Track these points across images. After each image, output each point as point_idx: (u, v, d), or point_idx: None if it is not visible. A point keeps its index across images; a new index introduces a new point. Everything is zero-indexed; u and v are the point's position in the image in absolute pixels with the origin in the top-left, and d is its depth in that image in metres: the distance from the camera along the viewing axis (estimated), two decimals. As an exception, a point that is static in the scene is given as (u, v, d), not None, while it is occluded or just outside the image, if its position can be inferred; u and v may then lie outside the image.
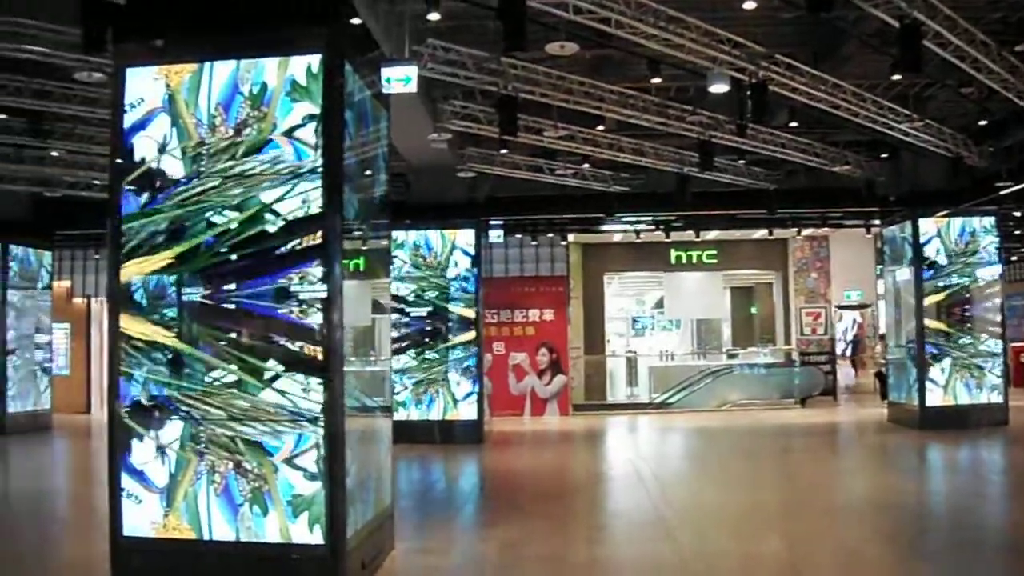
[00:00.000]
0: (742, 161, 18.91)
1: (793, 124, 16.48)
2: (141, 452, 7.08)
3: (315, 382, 6.80)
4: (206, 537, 6.91)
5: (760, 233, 24.63)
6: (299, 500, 6.77)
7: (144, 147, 7.17)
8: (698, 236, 24.20)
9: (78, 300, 26.41)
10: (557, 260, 24.20)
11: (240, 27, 7.16)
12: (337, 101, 6.99)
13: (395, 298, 16.51)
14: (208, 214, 7.03)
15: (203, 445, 6.94)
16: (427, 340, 17.33)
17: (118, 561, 7.13)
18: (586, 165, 19.26)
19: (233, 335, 7.00)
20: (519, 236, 23.61)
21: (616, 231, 24.56)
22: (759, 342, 27.96)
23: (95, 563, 7.78)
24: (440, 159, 16.76)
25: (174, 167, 7.11)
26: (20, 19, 10.95)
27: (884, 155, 18.98)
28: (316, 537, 6.74)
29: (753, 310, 30.55)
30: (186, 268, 7.08)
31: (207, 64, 7.09)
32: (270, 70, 6.99)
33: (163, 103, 7.16)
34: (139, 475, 7.06)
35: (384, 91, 9.39)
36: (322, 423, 6.76)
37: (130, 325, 7.16)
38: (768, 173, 19.86)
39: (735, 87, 13.02)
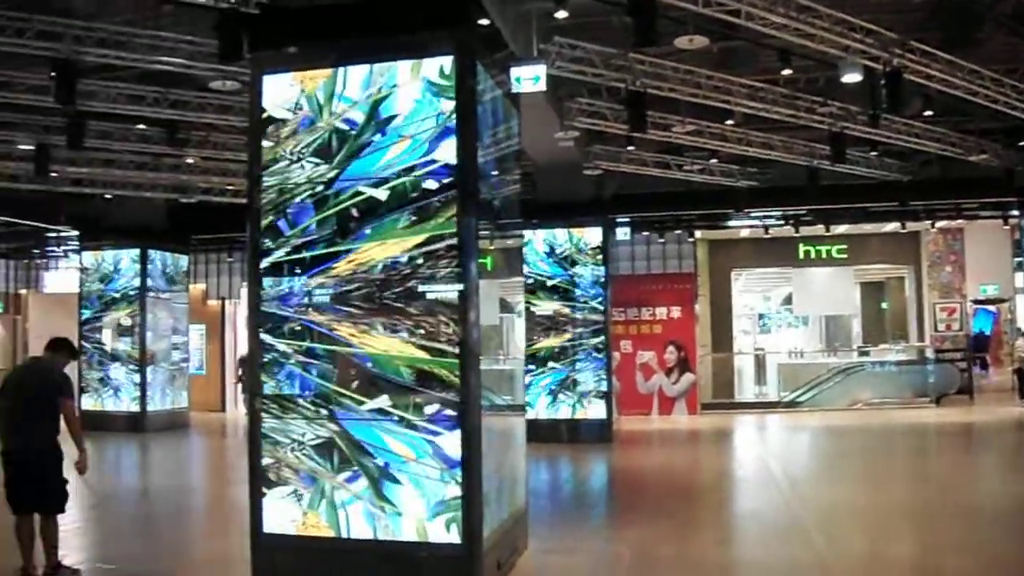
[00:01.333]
0: (874, 152, 18.35)
1: (928, 113, 15.92)
2: (282, 451, 7.23)
3: (451, 381, 6.83)
4: (344, 535, 7.01)
5: (892, 226, 23.86)
6: (436, 500, 6.80)
7: (281, 152, 7.32)
8: (828, 230, 23.58)
9: (213, 302, 27.24)
10: (684, 257, 23.97)
11: (373, 32, 7.26)
12: (470, 102, 7.01)
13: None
14: (344, 215, 7.14)
15: (343, 444, 7.04)
16: (554, 339, 17.33)
17: (258, 558, 7.26)
18: (713, 160, 18.99)
19: (371, 335, 7.07)
20: (646, 233, 23.44)
21: (743, 227, 24.15)
22: (891, 339, 27.13)
23: (235, 560, 7.97)
24: (566, 157, 16.71)
25: (310, 171, 7.23)
26: (159, 32, 11.29)
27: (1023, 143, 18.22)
28: (453, 536, 6.75)
29: (884, 306, 29.63)
30: (323, 268, 7.20)
31: (341, 69, 7.20)
32: (403, 73, 7.05)
33: (299, 108, 7.29)
34: (279, 474, 7.21)
35: (513, 91, 9.39)
36: (459, 422, 6.79)
37: (271, 325, 7.32)
38: (901, 164, 19.26)
39: (867, 76, 12.65)
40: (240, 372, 25.64)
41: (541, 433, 15.84)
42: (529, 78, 10.28)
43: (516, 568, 7.82)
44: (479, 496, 6.83)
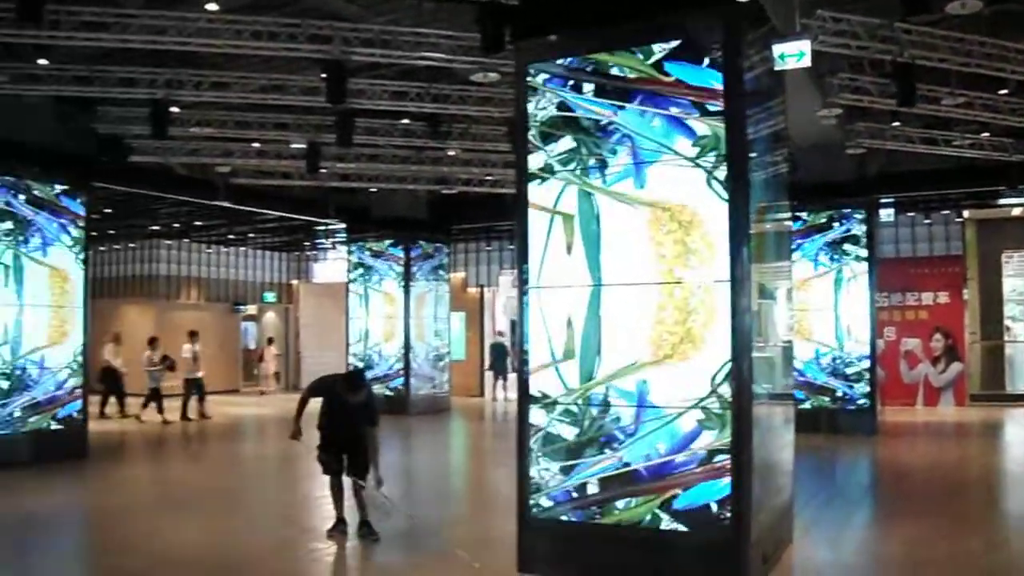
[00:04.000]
0: None
1: None
2: (547, 437, 7.29)
3: (722, 368, 6.67)
4: (607, 521, 7.00)
5: None
6: (704, 489, 6.67)
7: (547, 140, 7.36)
8: (1111, 207, 21.65)
9: (472, 290, 27.98)
10: (951, 239, 22.65)
11: (636, 14, 7.16)
12: (737, 80, 6.81)
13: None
14: (610, 196, 7.10)
15: (607, 430, 7.03)
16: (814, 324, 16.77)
17: (525, 540, 7.38)
18: (985, 134, 17.75)
19: (633, 323, 7.01)
20: (911, 214, 22.25)
21: (1016, 205, 22.49)
22: None
23: (500, 540, 8.15)
24: (827, 136, 16.06)
25: (577, 158, 7.23)
26: (421, 29, 11.61)
27: None
28: (720, 527, 6.61)
29: None
30: (584, 254, 7.21)
31: (606, 54, 7.16)
32: (665, 55, 6.93)
33: (562, 95, 7.30)
34: (546, 458, 7.28)
35: (776, 68, 9.06)
36: (730, 410, 6.63)
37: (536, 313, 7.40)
38: None
39: None
40: (491, 359, 26.37)
41: (799, 423, 15.33)
42: (793, 54, 9.84)
43: (780, 562, 7.60)
44: (748, 487, 6.64)
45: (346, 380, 8.84)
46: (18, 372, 13.80)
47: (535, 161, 7.42)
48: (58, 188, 14.37)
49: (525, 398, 7.45)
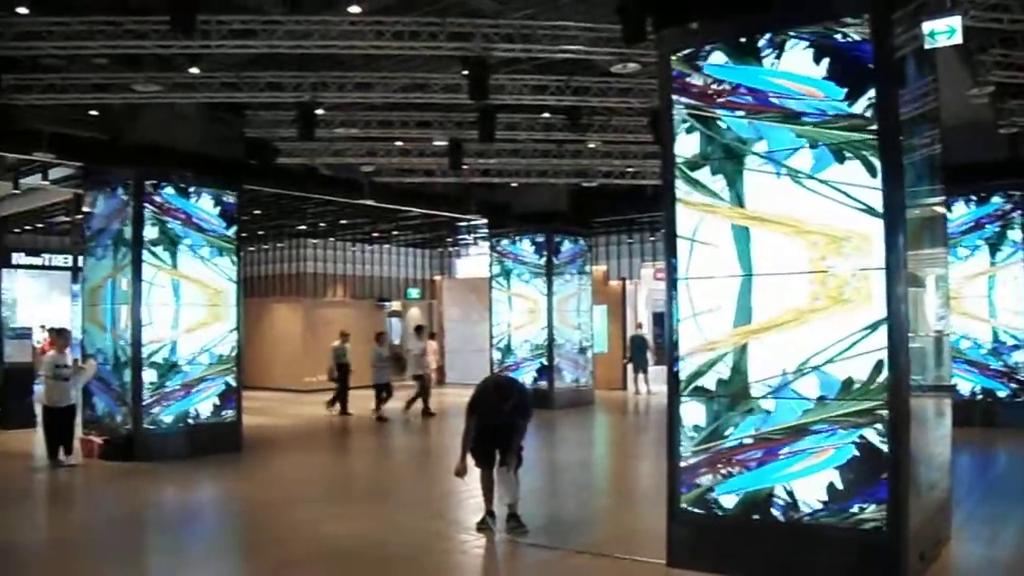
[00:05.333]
0: None
1: None
2: (697, 429, 7.19)
3: (877, 359, 6.44)
4: (762, 516, 6.86)
5: None
6: (860, 483, 6.47)
7: (692, 129, 7.24)
8: None
9: (614, 283, 27.85)
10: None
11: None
12: (887, 60, 6.59)
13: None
14: (759, 184, 6.95)
15: (759, 423, 6.89)
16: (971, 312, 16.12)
17: (674, 534, 7.32)
18: None
19: (786, 313, 6.83)
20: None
21: None
22: None
23: (648, 534, 8.09)
24: (977, 116, 15.36)
25: (727, 148, 7.10)
26: (561, 22, 11.56)
27: None
28: (876, 522, 6.40)
29: None
30: (734, 244, 7.07)
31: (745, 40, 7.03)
32: (812, 38, 6.74)
33: (708, 84, 7.18)
34: (696, 451, 7.17)
35: (926, 46, 8.70)
36: (886, 403, 6.39)
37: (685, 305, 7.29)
38: None
39: None
40: (631, 351, 26.20)
41: (958, 415, 14.72)
42: (943, 31, 9.44)
43: (938, 560, 7.31)
44: (906, 481, 6.42)
45: (496, 391, 8.95)
46: (176, 369, 14.35)
47: (681, 151, 7.30)
48: (210, 191, 14.87)
49: (675, 390, 7.35)
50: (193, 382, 14.54)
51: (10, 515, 10.65)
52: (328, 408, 21.36)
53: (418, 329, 21.51)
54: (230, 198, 15.23)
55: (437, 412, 20.55)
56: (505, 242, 23.16)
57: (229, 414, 15.06)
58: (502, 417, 8.78)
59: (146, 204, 14.17)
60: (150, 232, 14.18)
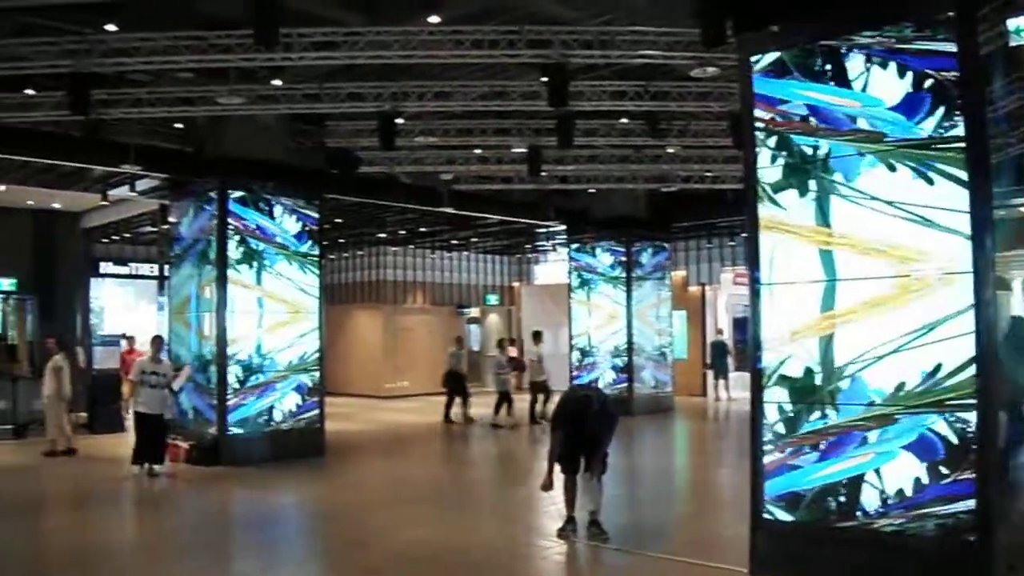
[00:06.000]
0: None
1: None
2: (779, 435, 7.11)
3: (966, 364, 6.25)
4: (844, 524, 6.74)
5: None
6: (947, 493, 6.28)
7: (773, 134, 7.18)
8: None
9: (693, 288, 27.66)
10: None
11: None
12: (973, 58, 6.42)
13: None
14: (842, 187, 6.83)
15: (843, 429, 6.76)
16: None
17: (757, 541, 7.24)
18: None
19: (871, 318, 6.71)
20: None
21: None
22: None
23: (730, 541, 8.06)
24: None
25: (816, 148, 7.01)
26: (638, 28, 11.52)
27: None
28: (964, 531, 6.20)
29: None
30: (817, 248, 6.97)
31: (830, 42, 6.92)
32: (898, 37, 6.60)
33: (790, 87, 7.10)
34: (778, 459, 7.09)
35: (1011, 43, 8.52)
36: (975, 408, 6.22)
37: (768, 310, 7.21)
38: None
39: None
40: (711, 358, 25.97)
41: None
42: (1030, 27, 9.26)
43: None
44: (995, 489, 6.24)
45: (581, 403, 8.95)
46: (260, 375, 14.59)
47: (763, 155, 7.24)
48: (292, 200, 15.12)
49: (758, 396, 7.26)
50: (277, 388, 14.79)
51: (97, 517, 10.98)
52: (452, 419, 20.84)
53: (536, 335, 21.18)
54: (312, 207, 15.46)
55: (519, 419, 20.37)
56: (584, 248, 23.14)
57: (312, 419, 15.27)
58: (587, 429, 8.80)
59: (230, 213, 14.46)
60: (234, 241, 14.46)
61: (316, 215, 15.55)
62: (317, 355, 15.38)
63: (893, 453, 6.51)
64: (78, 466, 14.45)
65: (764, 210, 7.25)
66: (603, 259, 22.58)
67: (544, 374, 20.46)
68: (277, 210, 14.95)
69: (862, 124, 6.72)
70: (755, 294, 7.32)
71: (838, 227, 6.85)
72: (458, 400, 20.66)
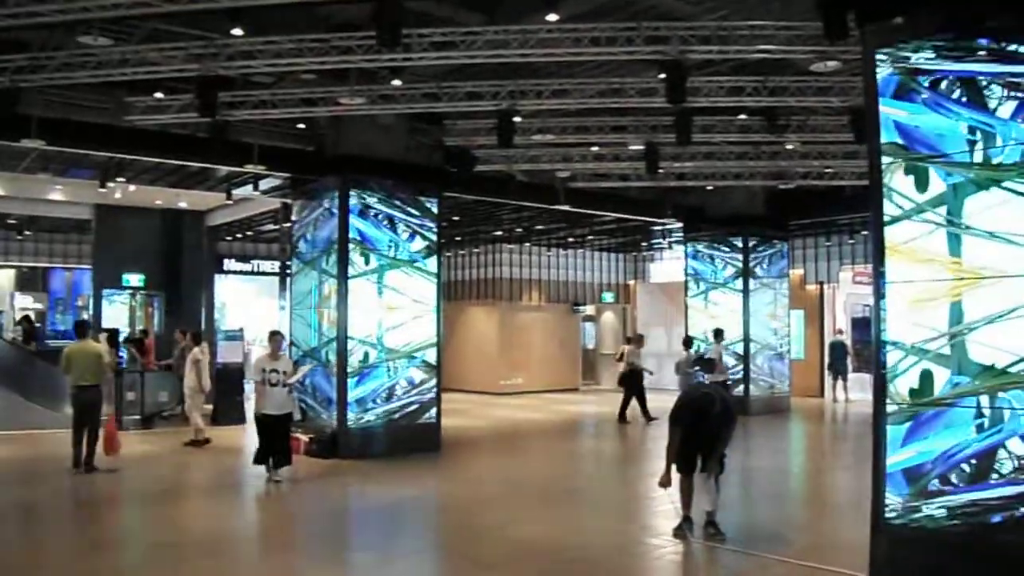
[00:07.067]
0: None
1: None
2: (901, 438, 6.91)
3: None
4: (976, 533, 6.46)
5: None
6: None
7: (897, 129, 7.02)
8: None
9: (810, 287, 27.18)
10: None
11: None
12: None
13: None
14: (978, 178, 6.57)
15: (970, 433, 6.47)
16: None
17: (877, 547, 7.00)
18: None
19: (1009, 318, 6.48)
20: None
21: None
22: None
23: (848, 546, 7.98)
24: None
25: (937, 151, 6.82)
26: (757, 22, 11.39)
27: None
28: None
29: None
30: (946, 243, 6.75)
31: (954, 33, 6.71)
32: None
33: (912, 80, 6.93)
34: (902, 460, 6.91)
35: None
36: None
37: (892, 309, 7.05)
38: None
39: None
40: (830, 358, 25.43)
41: None
42: None
43: None
44: None
45: (701, 402, 8.95)
46: (379, 370, 14.88)
47: (888, 148, 7.06)
48: (412, 198, 15.38)
49: (881, 397, 7.08)
50: (395, 383, 15.06)
51: (221, 507, 11.35)
52: (627, 419, 20.46)
53: (717, 333, 20.40)
54: (431, 205, 15.70)
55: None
56: (700, 246, 22.98)
57: (429, 415, 15.51)
58: (707, 427, 8.79)
59: (351, 211, 14.77)
60: (355, 238, 14.76)
61: (435, 213, 15.79)
62: (435, 351, 15.62)
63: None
64: (206, 456, 14.97)
65: (889, 203, 7.03)
66: (720, 257, 22.38)
67: (725, 373, 19.80)
68: (396, 207, 15.22)
69: (995, 120, 6.48)
70: (879, 293, 7.14)
71: (972, 221, 6.57)
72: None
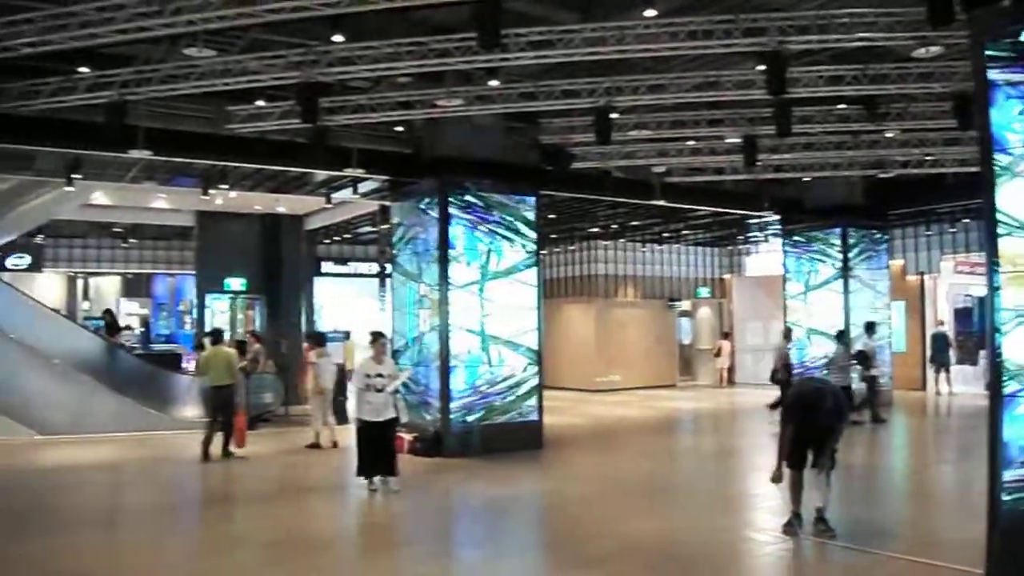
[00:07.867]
0: None
1: None
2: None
3: None
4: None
5: None
6: None
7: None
8: None
9: (911, 277, 26.66)
10: None
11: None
12: None
13: None
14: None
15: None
16: None
17: (995, 544, 6.85)
18: None
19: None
20: None
21: None
22: None
23: (963, 543, 7.79)
24: None
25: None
26: (856, 9, 11.24)
27: None
28: None
29: None
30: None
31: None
32: None
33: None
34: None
35: None
36: None
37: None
38: None
39: None
40: (932, 350, 24.80)
41: None
42: None
43: None
44: None
45: (813, 396, 8.89)
46: (481, 369, 15.04)
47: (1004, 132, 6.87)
48: (510, 197, 15.50)
49: (997, 390, 6.95)
50: (498, 382, 15.20)
51: (332, 506, 11.64)
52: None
53: (869, 326, 19.82)
54: (530, 203, 15.81)
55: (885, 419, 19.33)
56: (797, 238, 22.69)
57: (532, 412, 15.61)
58: (819, 421, 8.72)
59: (451, 212, 14.95)
60: (455, 239, 14.94)
61: (533, 212, 15.89)
62: (536, 349, 15.72)
63: None
64: (313, 456, 15.32)
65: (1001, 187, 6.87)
66: (817, 248, 22.08)
67: (876, 367, 19.52)
68: (495, 206, 15.37)
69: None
70: (992, 282, 7.00)
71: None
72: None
